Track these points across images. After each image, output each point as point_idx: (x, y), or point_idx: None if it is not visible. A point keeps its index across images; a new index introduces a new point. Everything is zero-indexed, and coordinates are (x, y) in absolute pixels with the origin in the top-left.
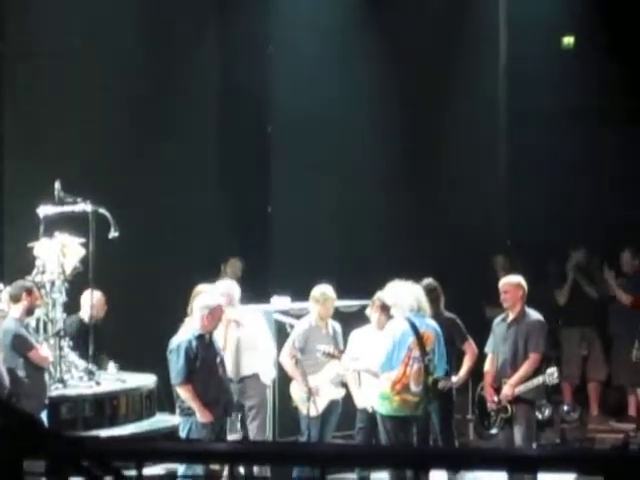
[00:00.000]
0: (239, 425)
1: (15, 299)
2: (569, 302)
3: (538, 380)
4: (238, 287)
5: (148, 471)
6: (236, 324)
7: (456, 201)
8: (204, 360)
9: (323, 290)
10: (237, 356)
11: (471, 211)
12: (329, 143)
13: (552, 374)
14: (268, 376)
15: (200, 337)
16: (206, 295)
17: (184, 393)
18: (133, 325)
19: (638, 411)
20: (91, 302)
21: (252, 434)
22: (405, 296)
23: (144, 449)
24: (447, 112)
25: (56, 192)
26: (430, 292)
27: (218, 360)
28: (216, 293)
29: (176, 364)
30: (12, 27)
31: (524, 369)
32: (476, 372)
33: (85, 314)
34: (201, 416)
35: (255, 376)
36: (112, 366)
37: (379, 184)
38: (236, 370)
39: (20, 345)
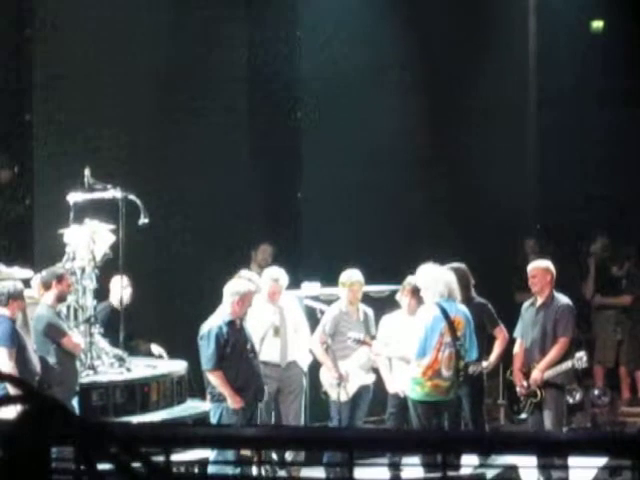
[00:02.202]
0: (272, 414)
1: (46, 286)
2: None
3: (567, 364)
4: (286, 276)
5: (181, 457)
6: (280, 310)
7: (486, 184)
8: (234, 346)
9: (350, 274)
10: (285, 341)
11: (501, 194)
12: (359, 128)
13: (581, 358)
14: (305, 362)
15: (231, 323)
16: (236, 281)
17: (214, 379)
18: (163, 311)
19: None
20: (121, 287)
21: (290, 418)
22: (437, 281)
23: (172, 435)
24: (476, 95)
25: (86, 178)
26: (461, 277)
27: (249, 346)
28: (266, 278)
29: (207, 350)
30: (41, 12)
31: (553, 353)
32: (507, 357)
33: (115, 300)
34: (232, 402)
35: (295, 362)
36: (155, 347)
37: (409, 169)
38: (284, 355)
39: (53, 332)
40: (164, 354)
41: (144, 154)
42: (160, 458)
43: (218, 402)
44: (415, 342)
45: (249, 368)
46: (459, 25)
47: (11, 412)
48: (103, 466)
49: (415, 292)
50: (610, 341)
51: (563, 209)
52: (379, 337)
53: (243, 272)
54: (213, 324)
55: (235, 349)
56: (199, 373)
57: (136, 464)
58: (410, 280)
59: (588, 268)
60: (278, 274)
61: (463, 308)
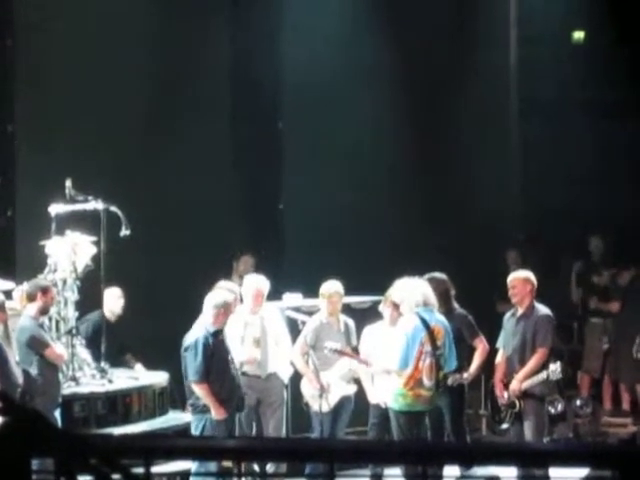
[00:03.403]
0: (253, 425)
1: (30, 298)
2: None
3: (543, 375)
4: (268, 282)
5: (163, 469)
6: (261, 321)
7: (468, 195)
8: (219, 357)
9: (328, 286)
10: (265, 352)
11: (483, 205)
12: (341, 139)
13: (555, 370)
14: (286, 373)
15: (215, 334)
16: (218, 292)
17: (201, 390)
18: (145, 322)
19: (632, 406)
20: (103, 300)
21: (271, 430)
22: (412, 292)
23: (152, 446)
24: (458, 105)
25: (67, 190)
26: (436, 286)
27: (230, 357)
28: (248, 283)
29: (194, 362)
30: (22, 23)
31: (531, 364)
32: (488, 367)
33: (107, 310)
34: (216, 413)
35: (276, 373)
36: (139, 367)
37: (392, 180)
38: (264, 366)
39: (36, 344)
40: (139, 375)
41: (126, 166)
42: (141, 469)
43: (201, 413)
44: (397, 353)
45: (232, 379)
46: (441, 37)
47: None
48: (84, 478)
49: (397, 304)
50: (595, 350)
51: (545, 219)
52: (361, 348)
53: (222, 283)
54: (198, 335)
55: (220, 360)
56: (181, 384)
57: (116, 475)
58: (392, 291)
59: (570, 274)
60: (260, 279)
61: (442, 318)
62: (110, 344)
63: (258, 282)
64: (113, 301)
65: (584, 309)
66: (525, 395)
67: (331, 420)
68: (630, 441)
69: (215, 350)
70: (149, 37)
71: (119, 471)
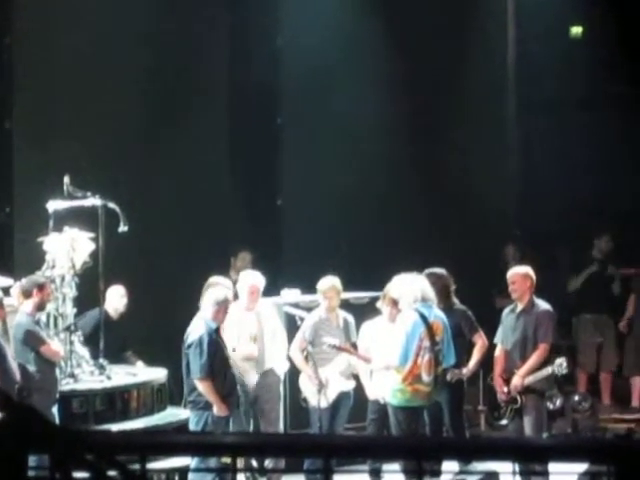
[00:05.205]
0: (251, 422)
1: (27, 294)
2: (584, 289)
3: (547, 370)
4: (263, 279)
5: (162, 465)
6: (257, 316)
7: (467, 190)
8: (221, 354)
9: (325, 281)
10: (262, 349)
11: (482, 200)
12: (340, 135)
13: (561, 364)
14: (282, 369)
15: (217, 330)
16: (217, 289)
17: (204, 387)
18: (142, 318)
19: None
20: (105, 297)
21: (268, 426)
22: (410, 288)
23: (147, 442)
24: (457, 100)
25: (65, 187)
26: (434, 282)
27: (227, 353)
28: (244, 279)
29: (199, 359)
30: (21, 20)
31: (533, 359)
32: (487, 363)
33: (110, 307)
34: (219, 410)
35: (272, 369)
36: (140, 364)
37: (389, 176)
38: (261, 363)
39: (32, 340)
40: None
41: (123, 162)
42: (137, 466)
43: (203, 410)
44: (397, 349)
45: (232, 375)
46: (440, 32)
47: None
48: (81, 474)
49: (396, 300)
50: (589, 346)
51: (544, 215)
52: (360, 344)
53: (214, 278)
54: (202, 332)
55: (222, 357)
56: (179, 380)
57: (112, 472)
58: (390, 288)
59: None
60: (255, 275)
61: (441, 314)
62: (112, 341)
63: (254, 278)
64: (117, 299)
65: (580, 304)
66: (526, 391)
67: (330, 416)
68: (625, 436)
69: (217, 347)
70: (147, 32)
71: (115, 467)
